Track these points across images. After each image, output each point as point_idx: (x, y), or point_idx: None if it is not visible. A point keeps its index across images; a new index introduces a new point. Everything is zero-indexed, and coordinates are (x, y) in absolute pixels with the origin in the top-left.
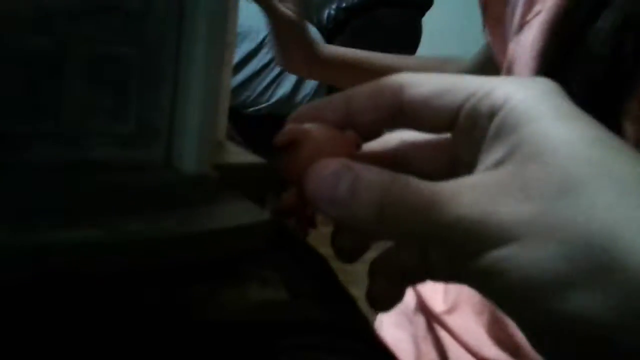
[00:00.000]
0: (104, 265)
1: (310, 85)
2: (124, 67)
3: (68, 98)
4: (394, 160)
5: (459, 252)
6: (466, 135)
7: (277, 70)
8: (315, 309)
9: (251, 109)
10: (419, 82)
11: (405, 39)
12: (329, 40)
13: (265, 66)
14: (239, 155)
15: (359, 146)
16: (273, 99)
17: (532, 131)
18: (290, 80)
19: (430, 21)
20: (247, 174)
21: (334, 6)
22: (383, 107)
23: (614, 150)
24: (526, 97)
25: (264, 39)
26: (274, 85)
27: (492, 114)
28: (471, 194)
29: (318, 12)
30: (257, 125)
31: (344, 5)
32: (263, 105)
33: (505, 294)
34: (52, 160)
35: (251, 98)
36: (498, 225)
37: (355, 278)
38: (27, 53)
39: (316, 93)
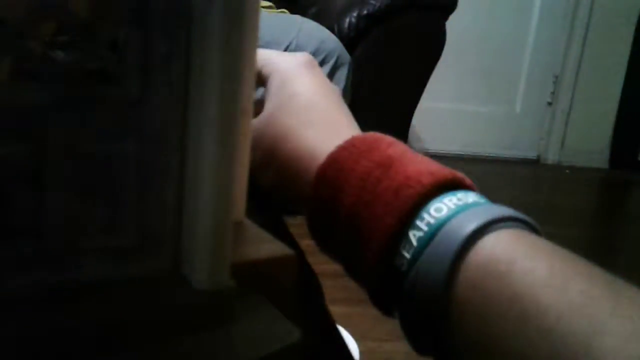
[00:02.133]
0: None
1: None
2: (119, 166)
3: (50, 210)
4: None
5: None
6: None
7: None
8: None
9: None
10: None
11: (430, 44)
12: (351, 49)
13: None
14: (260, 244)
15: None
16: None
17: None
18: None
19: (453, 24)
20: (270, 271)
21: (354, 14)
22: None
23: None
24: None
25: (285, 50)
26: None
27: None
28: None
29: (339, 21)
30: None
31: (365, 12)
32: None
33: None
34: (34, 288)
35: None
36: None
37: None
38: None
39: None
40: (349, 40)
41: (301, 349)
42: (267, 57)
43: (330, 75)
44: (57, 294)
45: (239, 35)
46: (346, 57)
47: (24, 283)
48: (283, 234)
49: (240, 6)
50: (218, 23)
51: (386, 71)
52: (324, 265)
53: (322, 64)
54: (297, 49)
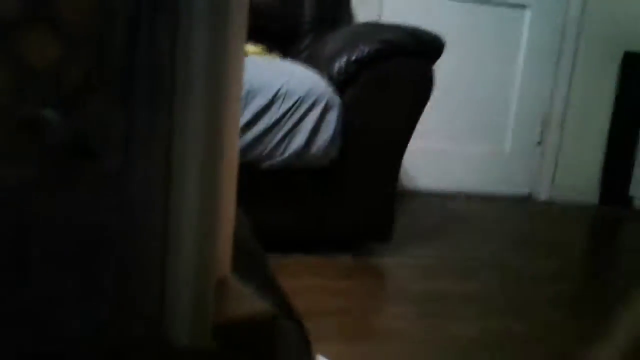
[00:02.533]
0: None
1: (324, 136)
2: (101, 237)
3: (30, 287)
4: None
5: None
6: None
7: (289, 124)
8: None
9: (266, 163)
10: None
11: (418, 89)
12: (341, 92)
13: (278, 121)
14: (241, 301)
15: None
16: (287, 153)
17: None
18: (303, 133)
19: (442, 66)
20: (252, 331)
21: (344, 59)
22: None
23: None
24: None
25: (275, 94)
26: (287, 139)
27: None
28: None
29: (328, 65)
30: (273, 178)
31: (354, 57)
32: (277, 159)
33: None
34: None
35: (265, 152)
36: None
37: None
38: None
39: (331, 144)
40: (338, 84)
41: None
42: None
43: (321, 118)
44: None
45: (220, 103)
46: (336, 100)
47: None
48: (273, 289)
49: (220, 79)
50: (199, 99)
51: (376, 114)
52: (318, 303)
53: (312, 107)
54: (288, 93)
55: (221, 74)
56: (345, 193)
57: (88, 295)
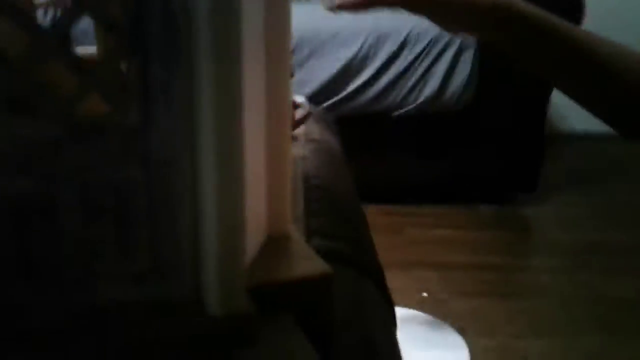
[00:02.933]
0: None
1: (459, 79)
2: (127, 193)
3: (65, 238)
4: None
5: None
6: None
7: (422, 68)
8: None
9: (398, 112)
10: None
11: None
12: None
13: (410, 66)
14: (298, 261)
15: None
16: (420, 99)
17: None
18: (436, 78)
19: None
20: (304, 290)
21: None
22: None
23: None
24: None
25: (406, 38)
26: (420, 84)
27: None
28: None
29: None
30: (407, 127)
31: None
32: (410, 106)
33: None
34: (55, 317)
35: (397, 100)
36: None
37: None
38: (12, 198)
39: (466, 87)
40: None
41: None
42: None
43: (455, 60)
44: (78, 320)
45: (233, 51)
46: (471, 39)
47: (46, 316)
48: (354, 244)
49: (232, 31)
50: (210, 41)
51: None
52: (456, 255)
53: (445, 48)
54: (420, 35)
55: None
56: (483, 139)
57: (122, 249)
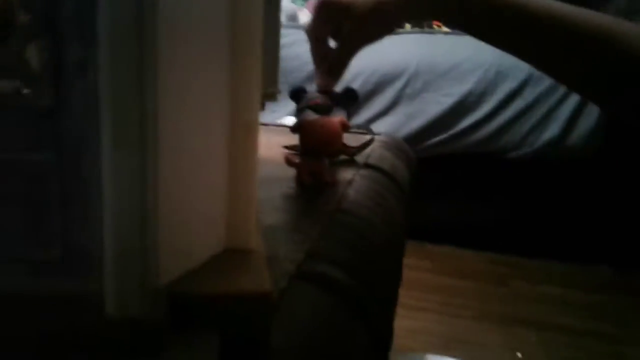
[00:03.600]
0: None
1: (585, 124)
2: (37, 176)
3: None
4: None
5: None
6: None
7: (543, 110)
8: None
9: (513, 154)
10: None
11: None
12: None
13: (530, 106)
14: (243, 276)
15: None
16: (539, 143)
17: None
18: (559, 121)
19: None
20: (235, 307)
21: None
22: None
23: None
24: None
25: (528, 76)
26: (540, 126)
27: None
28: None
29: None
30: (520, 171)
31: None
32: (527, 150)
33: None
34: None
35: (513, 142)
36: None
37: None
38: None
39: (593, 134)
40: None
41: None
42: None
43: (582, 102)
44: None
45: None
46: None
47: None
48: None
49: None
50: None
51: None
52: (562, 317)
53: None
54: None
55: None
56: (608, 193)
57: (29, 234)
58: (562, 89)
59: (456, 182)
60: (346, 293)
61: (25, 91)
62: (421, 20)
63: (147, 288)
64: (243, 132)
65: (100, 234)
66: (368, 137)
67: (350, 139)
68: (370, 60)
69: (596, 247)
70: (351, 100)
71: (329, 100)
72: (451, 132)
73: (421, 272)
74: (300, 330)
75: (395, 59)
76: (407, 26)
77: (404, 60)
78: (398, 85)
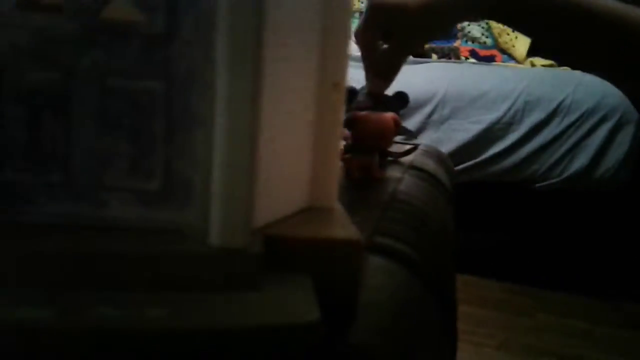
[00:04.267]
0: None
1: (614, 156)
2: (145, 105)
3: (77, 142)
4: None
5: None
6: None
7: (572, 141)
8: None
9: (540, 184)
10: None
11: None
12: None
13: (558, 137)
14: (329, 226)
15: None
16: (567, 173)
17: None
18: (587, 152)
19: None
20: (327, 252)
21: None
22: None
23: None
24: None
25: (557, 107)
26: (568, 157)
27: None
28: None
29: None
30: (548, 202)
31: None
32: (554, 180)
33: None
34: (59, 216)
35: (540, 171)
36: None
37: None
38: (28, 90)
39: (622, 166)
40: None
41: (315, 331)
42: None
43: (612, 135)
44: (86, 229)
45: None
46: (633, 115)
47: (54, 212)
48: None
49: None
50: None
51: None
52: (587, 351)
53: (600, 122)
54: (572, 105)
55: None
56: (636, 228)
57: (134, 164)
58: (591, 121)
59: (481, 210)
60: (418, 267)
61: (140, 17)
62: (474, 19)
63: (250, 223)
64: (331, 93)
65: (199, 169)
66: (410, 145)
67: (393, 147)
68: (398, 86)
69: (621, 282)
70: (403, 103)
71: (376, 104)
72: (478, 159)
73: None
74: (380, 294)
75: (424, 85)
76: (434, 56)
77: (432, 86)
78: (426, 111)
